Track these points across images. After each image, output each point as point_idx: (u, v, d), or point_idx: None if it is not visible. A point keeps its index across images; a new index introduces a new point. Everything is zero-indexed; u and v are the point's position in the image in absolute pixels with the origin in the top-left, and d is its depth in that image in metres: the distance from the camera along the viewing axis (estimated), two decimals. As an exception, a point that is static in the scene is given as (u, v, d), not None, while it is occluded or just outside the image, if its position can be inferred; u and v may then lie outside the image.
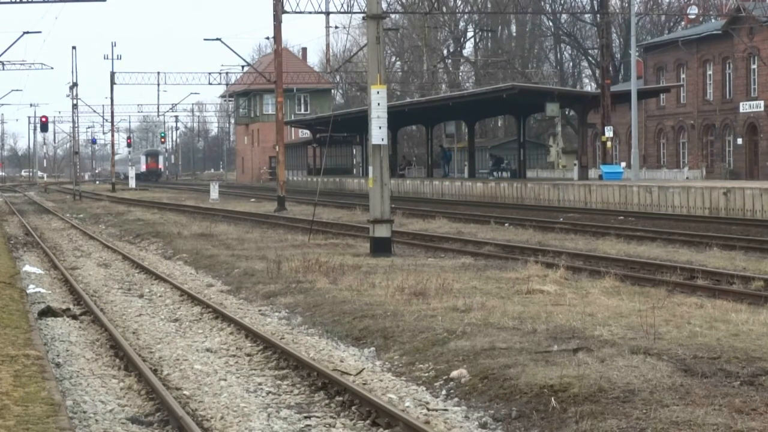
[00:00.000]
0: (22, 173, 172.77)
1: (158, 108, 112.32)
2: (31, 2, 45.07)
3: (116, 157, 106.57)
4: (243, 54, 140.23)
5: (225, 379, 12.66)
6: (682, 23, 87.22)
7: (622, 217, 38.40)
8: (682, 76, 77.55)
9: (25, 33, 58.69)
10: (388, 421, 10.31)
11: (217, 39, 59.53)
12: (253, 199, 63.01)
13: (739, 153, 71.42)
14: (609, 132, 54.50)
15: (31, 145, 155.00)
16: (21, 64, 71.62)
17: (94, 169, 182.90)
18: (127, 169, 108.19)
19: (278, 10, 49.21)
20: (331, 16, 55.88)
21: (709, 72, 74.97)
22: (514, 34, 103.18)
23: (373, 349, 14.10)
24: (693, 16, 73.90)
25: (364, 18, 35.00)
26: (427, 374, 12.38)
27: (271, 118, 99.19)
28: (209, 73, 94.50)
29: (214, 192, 62.29)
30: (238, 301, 19.38)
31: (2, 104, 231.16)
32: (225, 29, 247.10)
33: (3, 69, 68.36)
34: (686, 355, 11.78)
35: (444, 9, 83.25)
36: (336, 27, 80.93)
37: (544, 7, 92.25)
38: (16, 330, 14.52)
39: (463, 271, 21.26)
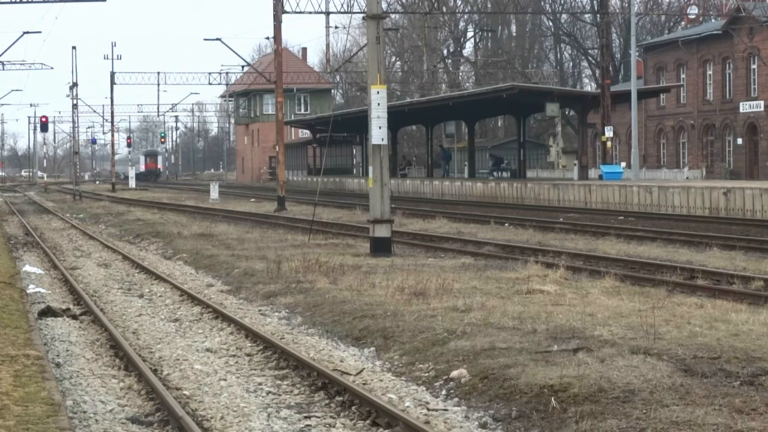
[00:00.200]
0: (22, 173, 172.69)
1: (158, 108, 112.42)
2: (31, 2, 45.08)
3: (116, 157, 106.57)
4: (243, 54, 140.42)
5: (225, 379, 12.66)
6: (682, 23, 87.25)
7: (622, 217, 38.41)
8: (682, 76, 77.55)
9: (25, 33, 58.77)
10: (388, 421, 10.31)
11: (217, 39, 59.53)
12: (253, 199, 63.01)
13: (739, 153, 71.42)
14: (609, 132, 54.51)
15: (31, 145, 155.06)
16: (21, 64, 71.68)
17: (94, 169, 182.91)
18: (127, 169, 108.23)
19: (278, 10, 49.21)
20: (331, 16, 55.94)
21: (709, 72, 74.97)
22: (514, 34, 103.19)
23: (373, 349, 14.10)
24: (693, 16, 73.90)
25: (364, 18, 35.00)
26: (427, 374, 12.38)
27: (271, 118, 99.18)
28: (209, 73, 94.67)
29: (214, 192, 62.28)
30: (238, 301, 19.38)
31: (2, 104, 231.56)
32: (225, 29, 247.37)
33: (3, 69, 68.41)
34: (686, 355, 11.78)
35: (444, 9, 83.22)
36: (336, 27, 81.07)
37: (544, 7, 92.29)
38: (16, 330, 14.52)
39: (463, 271, 21.26)
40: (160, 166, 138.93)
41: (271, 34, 53.69)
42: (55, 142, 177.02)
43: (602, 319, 14.41)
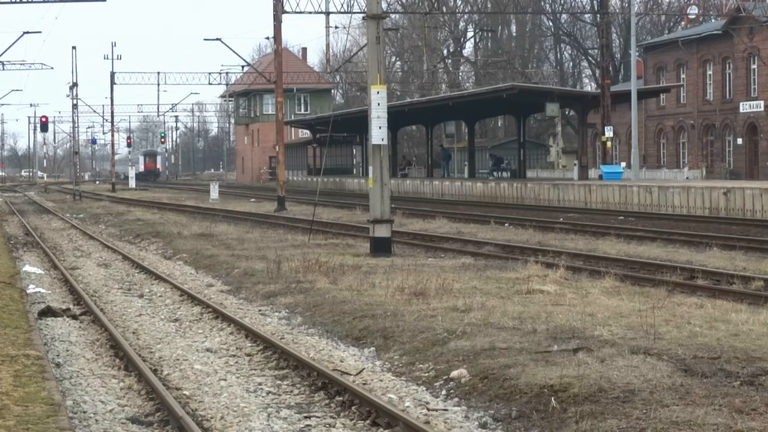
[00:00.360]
0: (22, 173, 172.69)
1: (158, 108, 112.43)
2: (31, 2, 45.08)
3: (116, 157, 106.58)
4: (243, 54, 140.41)
5: (225, 379, 12.66)
6: (682, 23, 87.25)
7: (622, 217, 38.40)
8: (682, 76, 77.55)
9: (25, 33, 58.78)
10: (388, 421, 10.31)
11: (217, 39, 59.54)
12: (253, 199, 63.01)
13: (739, 153, 71.42)
14: (609, 132, 54.51)
15: (31, 145, 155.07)
16: (21, 64, 71.68)
17: (94, 169, 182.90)
18: (127, 169, 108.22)
19: (278, 10, 49.21)
20: (331, 16, 55.94)
21: (709, 72, 74.97)
22: (514, 34, 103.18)
23: (373, 349, 14.10)
24: (693, 16, 73.90)
25: (364, 18, 35.00)
26: (427, 374, 12.38)
27: (271, 118, 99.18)
28: (209, 73, 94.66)
29: (214, 192, 62.28)
30: (238, 301, 19.38)
31: (2, 104, 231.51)
32: (225, 29, 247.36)
33: (3, 69, 68.41)
34: (686, 355, 11.78)
35: (444, 9, 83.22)
36: (336, 27, 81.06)
37: (544, 7, 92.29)
38: (16, 330, 14.52)
39: (463, 271, 21.26)
40: (159, 166, 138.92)
41: (271, 34, 53.75)
42: (55, 142, 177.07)
43: (602, 319, 14.41)
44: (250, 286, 20.63)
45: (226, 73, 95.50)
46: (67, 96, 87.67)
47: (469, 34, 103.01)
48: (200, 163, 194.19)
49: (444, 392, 11.62)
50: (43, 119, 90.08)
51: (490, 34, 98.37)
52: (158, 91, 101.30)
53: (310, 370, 12.55)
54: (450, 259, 24.20)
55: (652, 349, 12.04)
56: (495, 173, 68.43)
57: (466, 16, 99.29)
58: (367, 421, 10.56)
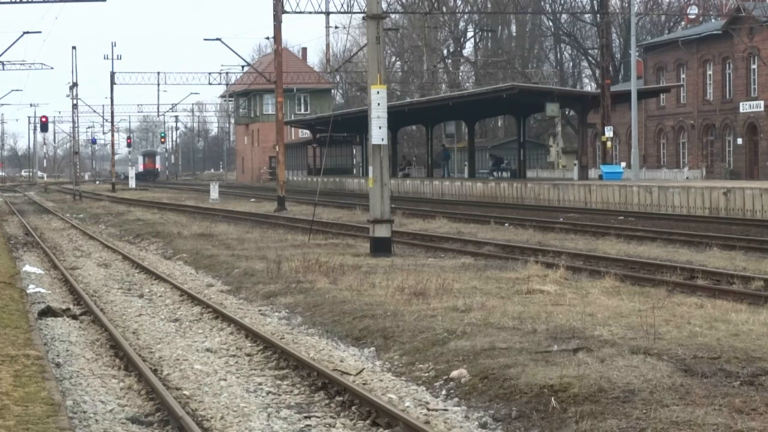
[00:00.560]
0: (22, 173, 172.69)
1: (158, 108, 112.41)
2: (31, 2, 45.08)
3: (116, 157, 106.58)
4: (243, 54, 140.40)
5: (225, 379, 12.66)
6: (682, 23, 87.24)
7: (622, 217, 38.40)
8: (682, 76, 77.55)
9: (25, 33, 58.76)
10: (388, 421, 10.31)
11: (217, 39, 59.54)
12: (253, 199, 63.01)
13: (739, 153, 71.42)
14: (609, 132, 54.52)
15: (31, 145, 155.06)
16: (21, 64, 71.67)
17: (94, 169, 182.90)
18: (127, 169, 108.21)
19: (278, 10, 49.21)
20: (331, 16, 55.93)
21: (709, 72, 74.97)
22: (514, 34, 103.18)
23: (373, 349, 14.10)
24: (693, 16, 73.90)
25: (364, 18, 35.00)
26: (427, 374, 12.38)
27: (271, 118, 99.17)
28: (209, 73, 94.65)
29: (214, 192, 62.29)
30: (238, 301, 19.38)
31: (2, 104, 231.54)
32: (225, 29, 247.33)
33: (3, 69, 68.40)
34: (686, 355, 11.78)
35: (444, 9, 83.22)
36: (336, 27, 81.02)
37: (544, 7, 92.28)
38: (16, 330, 14.52)
39: (463, 271, 21.26)
40: (158, 166, 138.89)
41: (271, 34, 53.75)
42: (55, 142, 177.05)
43: (602, 319, 14.41)
44: (250, 286, 20.63)
45: (226, 73, 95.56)
46: (67, 96, 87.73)
47: (469, 34, 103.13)
48: (200, 163, 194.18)
49: (444, 392, 11.62)
50: (43, 119, 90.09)
51: (490, 34, 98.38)
52: (158, 91, 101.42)
53: (310, 370, 12.55)
54: (450, 259, 24.20)
55: (652, 349, 12.04)
56: (495, 173, 68.43)
57: (466, 16, 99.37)
58: (367, 421, 10.56)
